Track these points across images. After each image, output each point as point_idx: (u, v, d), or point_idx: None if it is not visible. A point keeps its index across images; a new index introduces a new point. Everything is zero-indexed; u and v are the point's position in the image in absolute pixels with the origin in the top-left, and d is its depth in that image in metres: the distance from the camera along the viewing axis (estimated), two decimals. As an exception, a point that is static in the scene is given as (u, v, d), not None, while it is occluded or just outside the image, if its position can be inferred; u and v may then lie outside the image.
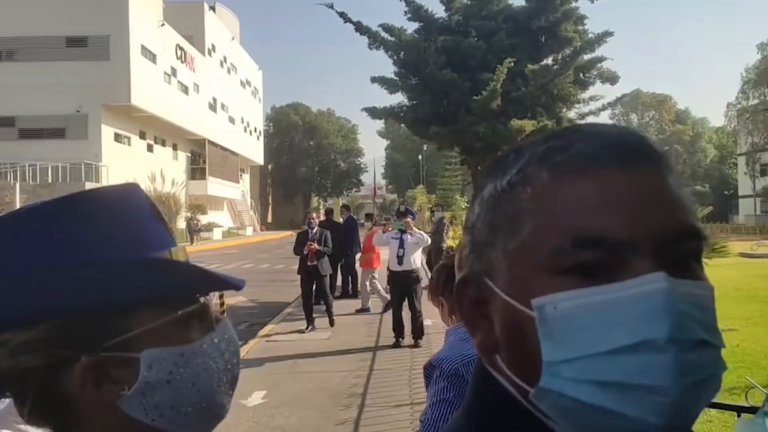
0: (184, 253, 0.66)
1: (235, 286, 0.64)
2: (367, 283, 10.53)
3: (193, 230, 34.38)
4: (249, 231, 50.12)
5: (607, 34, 14.16)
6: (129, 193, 0.66)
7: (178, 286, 0.62)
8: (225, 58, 50.12)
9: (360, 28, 14.59)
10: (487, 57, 14.22)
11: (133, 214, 0.64)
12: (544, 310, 0.46)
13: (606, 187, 0.47)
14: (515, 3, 15.47)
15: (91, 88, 31.35)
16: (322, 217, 12.54)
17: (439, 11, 15.48)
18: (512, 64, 13.09)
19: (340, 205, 14.02)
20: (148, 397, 0.60)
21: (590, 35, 14.32)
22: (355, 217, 12.35)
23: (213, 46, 46.88)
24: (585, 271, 0.45)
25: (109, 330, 0.59)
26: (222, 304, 5.17)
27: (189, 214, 35.43)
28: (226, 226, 46.32)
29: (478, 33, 14.67)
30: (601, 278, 0.45)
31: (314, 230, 9.32)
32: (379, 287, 10.39)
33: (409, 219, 8.81)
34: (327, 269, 9.41)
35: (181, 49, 40.16)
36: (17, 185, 25.63)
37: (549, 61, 15.08)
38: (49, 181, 28.88)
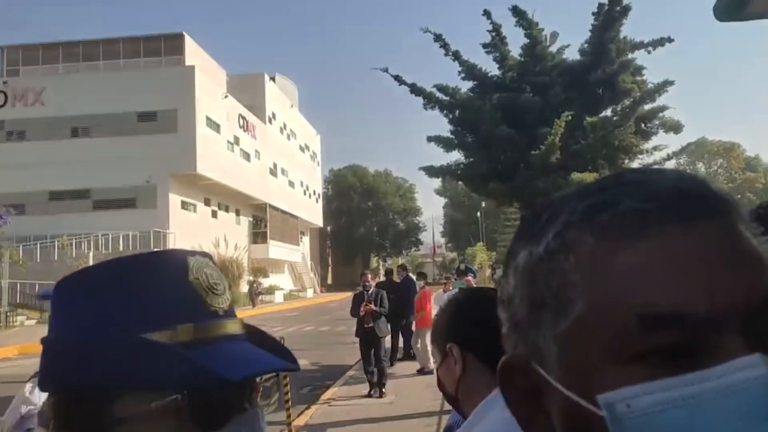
0: (198, 332, 0.59)
1: (223, 377, 0.55)
2: (428, 343, 10.29)
3: (255, 294, 34.83)
4: (309, 293, 50.48)
5: (668, 83, 13.89)
6: (163, 261, 0.62)
7: (147, 375, 0.56)
8: (285, 125, 51.92)
9: (415, 89, 14.83)
10: (543, 112, 14.13)
11: (151, 286, 0.60)
12: (614, 409, 0.36)
13: (668, 250, 0.38)
14: (570, 57, 15.44)
15: (160, 159, 32.94)
16: (382, 278, 12.48)
17: (493, 69, 15.62)
18: (570, 118, 12.95)
19: (398, 265, 13.94)
20: None
21: (650, 85, 14.08)
22: (413, 276, 12.21)
23: (273, 114, 48.73)
24: (659, 357, 0.36)
25: (89, 414, 0.57)
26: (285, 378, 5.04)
27: (251, 278, 35.98)
28: (287, 288, 46.82)
29: (534, 88, 14.65)
30: (680, 365, 0.36)
31: (370, 291, 9.24)
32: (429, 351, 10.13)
33: (469, 277, 8.63)
34: (384, 331, 9.24)
35: (244, 118, 41.92)
36: (90, 254, 26.80)
37: (608, 112, 14.86)
38: (120, 249, 30.07)
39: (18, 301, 25.82)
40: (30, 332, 20.73)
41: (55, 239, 28.71)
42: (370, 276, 10.16)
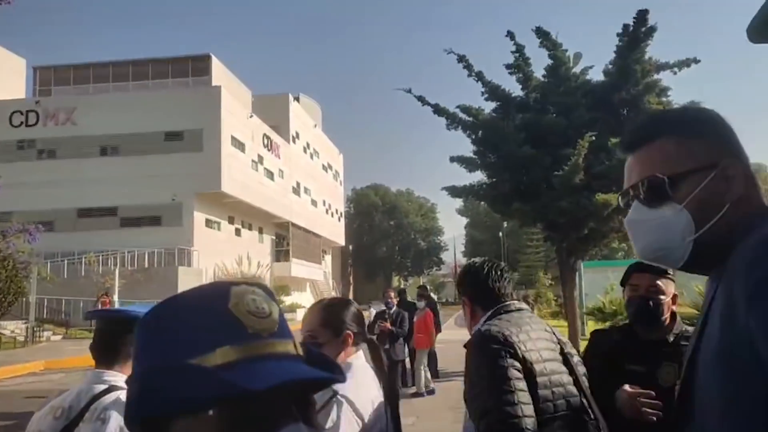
0: (237, 353, 0.63)
1: (246, 389, 0.59)
2: (423, 365, 10.07)
3: None
4: (331, 311, 50.44)
5: (695, 104, 13.76)
6: (207, 292, 0.69)
7: (185, 394, 0.60)
8: (308, 144, 52.42)
9: (438, 110, 14.87)
10: (567, 132, 14.06)
11: (194, 316, 0.65)
12: None
13: None
14: (594, 78, 15.37)
15: (185, 177, 33.44)
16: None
17: (516, 90, 15.61)
18: (593, 138, 12.86)
19: (417, 286, 13.51)
20: None
21: (675, 106, 13.96)
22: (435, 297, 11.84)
23: (297, 134, 49.26)
24: None
25: None
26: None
27: None
28: (308, 306, 46.85)
29: (557, 109, 14.60)
30: None
31: (392, 310, 9.06)
32: (423, 373, 9.89)
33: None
34: (401, 354, 9.04)
35: (268, 137, 42.44)
36: (116, 270, 27.18)
37: (633, 133, 14.77)
38: (146, 266, 30.47)
39: (45, 316, 26.24)
40: (56, 347, 21.03)
41: (82, 256, 29.20)
42: (393, 293, 10.00)
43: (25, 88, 40.72)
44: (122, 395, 1.91)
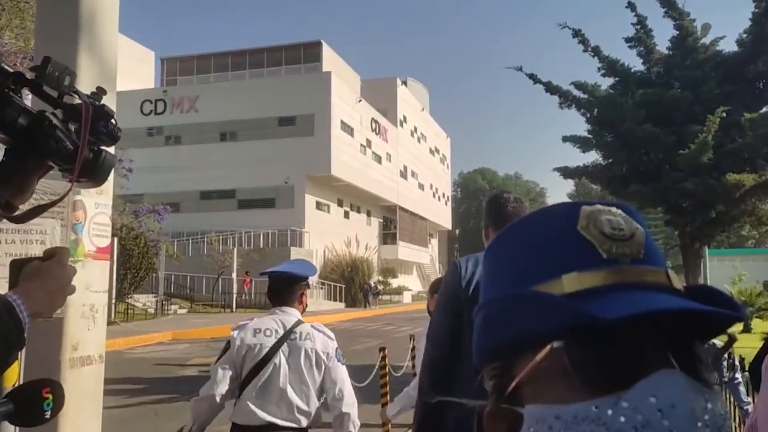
0: (586, 280, 0.53)
1: (596, 317, 0.47)
2: None
3: (368, 294, 34.72)
4: (437, 295, 50.55)
5: None
6: (552, 214, 0.59)
7: (527, 325, 0.52)
8: (415, 128, 52.51)
9: (550, 87, 14.34)
10: (693, 108, 13.08)
11: (539, 240, 0.57)
12: None
13: None
14: (725, 49, 14.17)
15: (297, 161, 34.62)
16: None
17: (636, 64, 14.72)
18: (725, 114, 11.86)
19: None
20: None
21: (822, 75, 12.57)
22: None
23: (404, 118, 49.46)
24: None
25: (503, 376, 0.54)
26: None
27: (366, 279, 35.90)
28: (415, 290, 47.25)
29: (683, 84, 13.61)
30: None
31: None
32: None
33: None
34: None
35: (376, 122, 42.94)
36: (234, 250, 28.74)
37: (770, 108, 13.47)
38: (261, 246, 31.97)
39: (172, 290, 28.27)
40: (182, 320, 22.60)
41: (204, 235, 31.11)
42: None
43: (154, 78, 43.84)
44: (311, 326, 2.85)
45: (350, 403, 2.79)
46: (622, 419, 0.45)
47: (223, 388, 2.64)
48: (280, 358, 2.70)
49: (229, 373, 2.67)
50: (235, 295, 27.78)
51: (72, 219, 2.40)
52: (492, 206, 2.72)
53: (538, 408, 0.50)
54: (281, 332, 2.74)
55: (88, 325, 2.55)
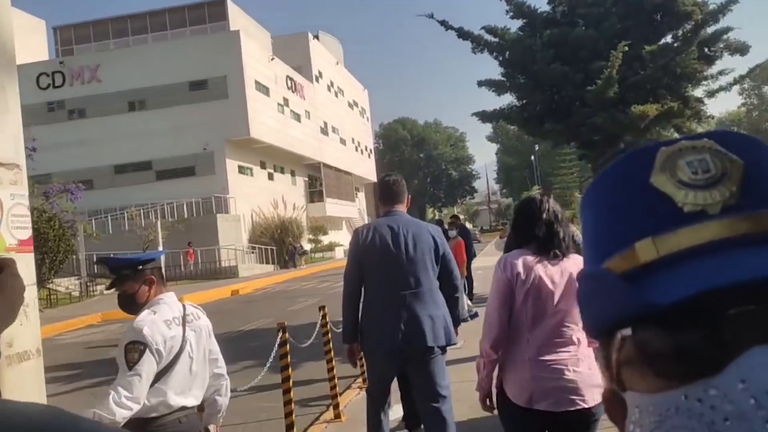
0: (663, 245, 0.43)
1: (651, 303, 0.40)
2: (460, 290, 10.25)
3: (292, 255, 34.40)
4: (369, 247, 51.15)
5: (731, 2, 13.02)
6: (624, 164, 0.48)
7: (596, 312, 0.46)
8: (332, 83, 51.83)
9: (462, 33, 14.46)
10: (598, 45, 13.57)
11: (610, 200, 0.48)
12: None
13: None
14: (624, -16, 14.65)
15: (214, 126, 33.59)
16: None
17: (542, 5, 15.03)
18: (627, 48, 12.38)
19: (450, 216, 13.57)
20: None
21: (712, 6, 13.24)
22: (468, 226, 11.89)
23: (320, 73, 48.66)
24: None
25: (606, 357, 0.47)
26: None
27: (291, 240, 35.45)
28: (346, 244, 47.58)
29: (587, 21, 14.05)
30: None
31: None
32: (463, 300, 10.06)
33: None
34: None
35: (291, 79, 42.05)
36: (158, 223, 27.87)
37: (668, 39, 14.12)
38: (185, 216, 31.14)
39: (96, 271, 27.25)
40: (110, 300, 21.85)
41: (123, 210, 29.96)
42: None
43: (48, 49, 40.91)
44: (189, 305, 2.90)
45: (225, 370, 2.99)
46: (712, 409, 0.37)
47: (146, 390, 2.55)
48: (189, 342, 2.71)
49: (153, 375, 2.58)
50: (163, 270, 27.09)
51: (-11, 213, 2.31)
52: (379, 186, 3.96)
53: (634, 395, 0.43)
54: (180, 317, 2.75)
55: (20, 321, 2.48)
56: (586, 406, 2.58)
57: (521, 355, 2.68)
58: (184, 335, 2.70)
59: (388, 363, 3.84)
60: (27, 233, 2.52)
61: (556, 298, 2.64)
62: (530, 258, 2.68)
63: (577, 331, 2.65)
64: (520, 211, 2.85)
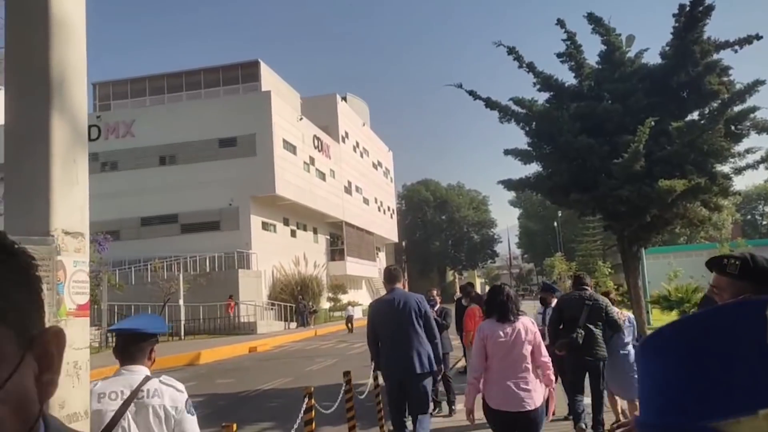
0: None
1: None
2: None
3: (303, 313, 33.81)
4: (387, 308, 50.75)
5: (759, 83, 13.19)
6: (736, 316, 0.44)
7: None
8: (357, 143, 52.80)
9: (490, 103, 14.78)
10: (624, 119, 13.75)
11: (721, 353, 0.43)
12: None
13: None
14: (650, 61, 14.96)
15: (241, 182, 34.25)
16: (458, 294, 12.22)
17: (569, 78, 15.35)
18: (653, 123, 12.54)
19: (460, 286, 12.94)
20: None
21: (738, 85, 13.42)
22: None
23: (346, 133, 49.68)
24: None
25: None
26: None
27: (300, 297, 34.98)
28: (365, 304, 47.31)
29: (613, 96, 14.29)
30: None
31: (436, 307, 9.50)
32: None
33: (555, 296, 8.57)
34: (447, 347, 9.23)
35: (318, 139, 42.97)
36: (180, 275, 28.10)
37: (695, 116, 14.27)
38: (207, 270, 31.37)
39: (116, 321, 27.34)
40: (128, 351, 21.88)
41: (147, 263, 30.28)
42: (436, 292, 10.46)
43: (87, 104, 42.43)
44: (159, 381, 2.78)
45: None
46: None
47: None
48: (128, 420, 2.64)
49: None
50: (183, 323, 27.14)
51: (55, 279, 2.42)
52: (384, 273, 6.35)
53: None
54: (127, 393, 2.70)
55: (73, 383, 2.55)
56: (531, 408, 4.34)
57: (493, 378, 4.46)
58: (120, 411, 2.65)
59: (396, 383, 5.75)
60: (85, 298, 2.62)
61: (511, 344, 4.43)
62: (495, 323, 4.53)
63: (527, 363, 4.42)
64: (490, 293, 4.79)
